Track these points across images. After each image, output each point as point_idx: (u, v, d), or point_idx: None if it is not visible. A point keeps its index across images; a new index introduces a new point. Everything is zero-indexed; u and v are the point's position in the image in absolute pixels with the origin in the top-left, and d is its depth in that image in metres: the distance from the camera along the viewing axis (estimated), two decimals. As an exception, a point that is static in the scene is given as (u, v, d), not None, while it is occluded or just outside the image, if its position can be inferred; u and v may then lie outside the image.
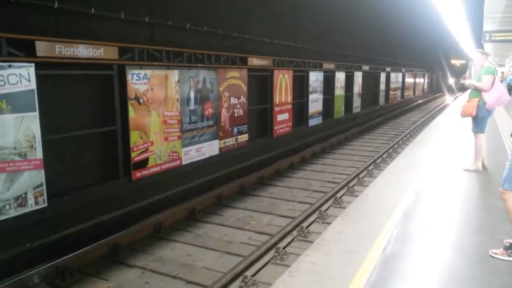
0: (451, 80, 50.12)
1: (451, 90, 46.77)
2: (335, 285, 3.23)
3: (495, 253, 3.67)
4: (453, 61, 51.56)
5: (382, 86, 23.75)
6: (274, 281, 3.46)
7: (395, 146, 13.06)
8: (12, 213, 5.61)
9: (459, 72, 46.05)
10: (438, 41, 39.88)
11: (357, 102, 19.29)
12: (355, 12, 17.38)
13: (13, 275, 4.67)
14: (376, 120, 19.80)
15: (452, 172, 6.63)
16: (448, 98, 38.66)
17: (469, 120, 6.46)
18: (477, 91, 6.11)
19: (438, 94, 43.99)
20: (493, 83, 5.93)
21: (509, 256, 3.60)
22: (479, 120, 6.22)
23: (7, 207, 5.56)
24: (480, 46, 24.42)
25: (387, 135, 16.50)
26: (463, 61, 51.22)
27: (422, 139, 10.44)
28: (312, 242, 5.00)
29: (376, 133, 17.30)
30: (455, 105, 21.89)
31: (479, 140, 6.30)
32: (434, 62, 43.41)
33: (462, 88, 43.05)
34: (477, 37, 25.52)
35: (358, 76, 19.17)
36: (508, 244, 3.65)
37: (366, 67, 20.19)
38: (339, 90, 17.08)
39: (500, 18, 15.16)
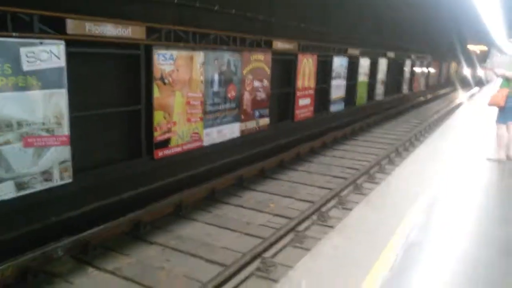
0: (466, 71, 39.63)
1: (466, 84, 37.01)
2: (358, 269, 3.25)
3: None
4: (471, 47, 38.01)
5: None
6: (293, 264, 3.50)
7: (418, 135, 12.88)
8: (39, 187, 5.79)
9: (478, 61, 39.07)
10: (452, 20, 26.77)
11: (380, 89, 19.01)
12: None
13: (38, 247, 4.83)
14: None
15: (475, 161, 6.54)
16: (461, 94, 30.15)
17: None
18: (508, 81, 5.97)
19: (448, 89, 34.14)
20: None
21: None
22: (507, 111, 6.10)
23: (34, 181, 5.74)
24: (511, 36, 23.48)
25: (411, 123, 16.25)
26: (484, 47, 38.64)
27: (446, 130, 10.24)
28: (331, 227, 5.03)
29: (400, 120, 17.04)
30: (472, 108, 15.97)
31: (500, 130, 6.23)
32: (445, 48, 32.69)
33: (481, 82, 36.31)
34: (509, 24, 23.03)
35: (382, 63, 18.84)
36: None
37: (391, 54, 19.79)
38: (362, 76, 16.86)
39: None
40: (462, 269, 3.37)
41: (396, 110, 18.90)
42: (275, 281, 4.30)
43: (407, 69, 23.10)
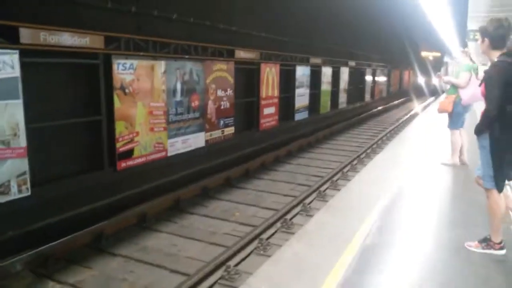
0: (420, 79, 37.73)
1: (420, 93, 34.98)
2: (316, 273, 3.31)
3: (470, 246, 3.81)
4: (424, 53, 36.82)
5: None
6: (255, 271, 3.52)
7: (379, 142, 13.25)
8: (-5, 200, 5.57)
9: (433, 68, 35.39)
10: (403, 25, 27.42)
11: (343, 98, 19.47)
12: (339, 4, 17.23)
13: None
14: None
15: (431, 167, 6.80)
16: (416, 105, 27.66)
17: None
18: (455, 87, 6.29)
19: (401, 99, 31.08)
20: (469, 80, 6.08)
21: (483, 249, 3.74)
22: (455, 116, 6.41)
23: (-11, 195, 5.52)
24: (464, 44, 24.79)
25: (373, 130, 16.70)
26: (437, 54, 37.88)
27: (404, 136, 10.60)
28: (295, 233, 5.08)
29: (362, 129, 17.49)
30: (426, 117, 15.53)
31: (454, 136, 6.50)
32: (396, 53, 29.24)
33: (435, 91, 33.21)
34: (461, 32, 24.07)
35: (344, 72, 19.33)
36: (482, 238, 3.79)
37: (353, 63, 20.33)
38: (325, 85, 17.22)
39: (483, 17, 15.41)
40: (418, 267, 3.50)
41: (358, 119, 19.39)
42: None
43: (368, 77, 23.80)
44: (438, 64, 38.02)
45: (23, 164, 5.84)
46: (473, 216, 4.51)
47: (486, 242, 3.76)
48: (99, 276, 4.87)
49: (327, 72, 17.20)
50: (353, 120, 18.11)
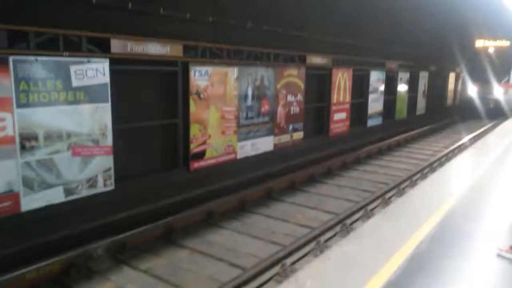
0: (472, 89, 20.34)
1: (467, 114, 20.56)
2: (363, 272, 3.44)
3: (501, 250, 3.77)
4: (480, 44, 20.42)
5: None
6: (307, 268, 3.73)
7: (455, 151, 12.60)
8: (84, 193, 6.37)
9: (496, 70, 19.63)
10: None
11: (421, 103, 18.73)
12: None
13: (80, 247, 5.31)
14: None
15: (504, 175, 6.49)
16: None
17: None
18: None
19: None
20: None
21: None
22: None
23: (80, 187, 6.32)
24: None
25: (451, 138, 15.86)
26: (506, 43, 20.11)
27: (483, 146, 10.02)
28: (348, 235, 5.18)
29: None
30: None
31: None
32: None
33: (498, 112, 19.19)
34: None
35: (423, 77, 18.59)
36: None
37: (432, 67, 19.44)
38: (402, 90, 16.74)
39: None
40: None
41: (437, 125, 18.40)
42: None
43: (450, 82, 22.57)
44: (506, 62, 19.90)
45: (109, 161, 6.60)
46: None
47: None
48: (168, 265, 5.37)
49: (404, 77, 16.71)
50: (431, 127, 17.29)
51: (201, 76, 8.05)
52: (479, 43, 19.95)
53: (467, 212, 5.07)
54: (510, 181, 6.44)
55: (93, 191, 6.50)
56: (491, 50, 19.70)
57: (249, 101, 9.30)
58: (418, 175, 9.42)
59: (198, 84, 8.01)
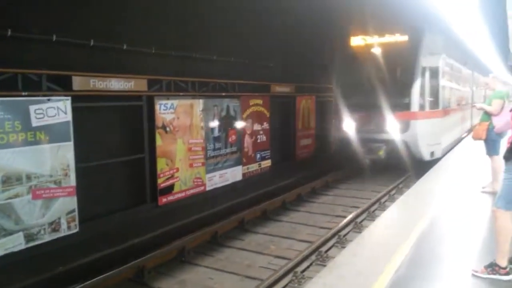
0: (348, 124, 10.61)
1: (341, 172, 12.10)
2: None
3: (476, 272, 3.81)
4: (359, 42, 10.99)
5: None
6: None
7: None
8: (47, 238, 6.03)
9: (390, 88, 10.22)
10: None
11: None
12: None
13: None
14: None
15: (470, 194, 6.68)
16: None
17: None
18: (488, 114, 6.22)
19: None
20: (502, 107, 6.01)
21: (489, 274, 3.74)
22: (491, 143, 6.33)
23: (42, 232, 5.99)
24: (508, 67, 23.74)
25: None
26: (402, 39, 10.47)
27: (440, 167, 10.28)
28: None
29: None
30: None
31: (494, 163, 6.37)
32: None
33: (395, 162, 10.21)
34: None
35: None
36: (488, 263, 3.79)
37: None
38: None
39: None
40: None
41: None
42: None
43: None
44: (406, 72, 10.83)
45: (72, 202, 6.32)
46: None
47: (492, 267, 3.75)
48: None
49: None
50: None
51: (166, 110, 7.95)
52: (357, 42, 10.95)
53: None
54: None
55: (56, 235, 6.18)
56: (380, 53, 10.55)
57: (216, 132, 9.25)
58: (386, 197, 9.58)
59: (163, 117, 7.90)
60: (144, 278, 5.81)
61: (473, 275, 3.82)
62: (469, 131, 15.80)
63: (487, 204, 6.07)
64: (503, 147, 6.36)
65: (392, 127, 10.07)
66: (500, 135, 6.27)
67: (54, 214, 6.12)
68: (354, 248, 4.79)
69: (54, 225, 6.14)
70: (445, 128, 11.29)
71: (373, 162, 10.91)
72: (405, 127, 10.04)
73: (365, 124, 10.43)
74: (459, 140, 13.88)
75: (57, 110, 6.09)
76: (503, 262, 3.71)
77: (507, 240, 3.66)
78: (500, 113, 6.04)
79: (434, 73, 10.40)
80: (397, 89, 10.28)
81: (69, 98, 6.21)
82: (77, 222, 6.39)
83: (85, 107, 6.71)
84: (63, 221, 6.24)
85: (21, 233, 5.74)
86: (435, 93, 10.56)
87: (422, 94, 10.18)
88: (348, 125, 10.59)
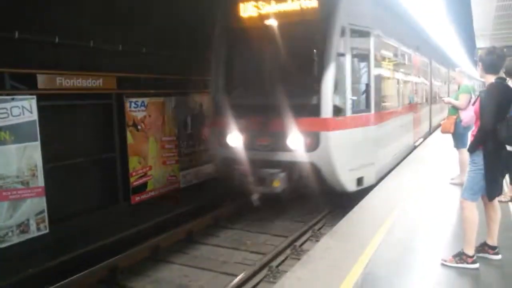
0: (233, 138, 6.95)
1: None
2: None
3: (445, 261, 3.96)
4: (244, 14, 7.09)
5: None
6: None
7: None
8: (15, 239, 5.85)
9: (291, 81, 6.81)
10: None
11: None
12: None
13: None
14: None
15: (439, 186, 6.85)
16: None
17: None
18: (455, 108, 6.41)
19: None
20: (469, 101, 6.19)
21: (457, 263, 3.89)
22: (459, 136, 6.53)
23: (10, 234, 5.80)
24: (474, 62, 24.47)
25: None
26: (311, 5, 6.63)
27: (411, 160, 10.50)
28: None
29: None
30: None
31: (462, 155, 6.56)
32: None
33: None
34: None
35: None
36: (456, 252, 3.94)
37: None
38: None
39: (490, 35, 15.55)
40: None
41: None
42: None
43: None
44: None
45: (41, 203, 6.15)
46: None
47: (459, 256, 3.88)
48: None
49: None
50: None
51: (137, 108, 7.83)
52: (244, 11, 7.17)
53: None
54: None
55: (25, 237, 6.00)
56: (278, 28, 6.88)
57: (189, 129, 9.17)
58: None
59: (134, 115, 7.77)
60: (117, 279, 5.72)
61: (442, 264, 3.93)
62: (428, 134, 13.63)
63: (455, 195, 6.25)
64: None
65: (293, 142, 6.44)
66: (467, 128, 6.46)
67: (22, 215, 5.94)
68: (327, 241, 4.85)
69: (23, 227, 5.96)
70: (383, 139, 7.76)
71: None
72: (313, 143, 6.38)
73: (256, 136, 6.72)
74: (411, 149, 10.65)
75: (22, 109, 5.89)
76: (470, 251, 3.83)
77: (473, 229, 3.79)
78: (467, 107, 6.23)
79: (362, 58, 7.14)
80: (302, 83, 6.74)
81: (35, 96, 6.02)
82: (47, 223, 6.22)
83: (53, 106, 6.52)
84: (32, 222, 6.07)
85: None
86: (363, 88, 7.20)
87: (340, 90, 6.54)
88: (233, 138, 6.88)
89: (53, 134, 6.44)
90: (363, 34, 7.07)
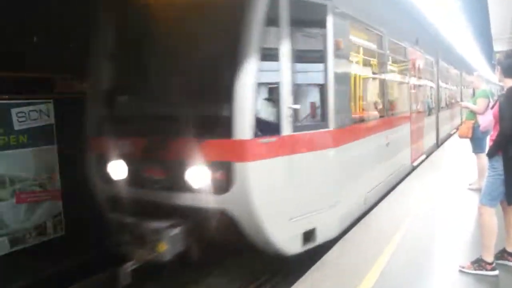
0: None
1: None
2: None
3: (463, 267, 3.87)
4: None
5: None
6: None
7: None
8: (32, 241, 5.92)
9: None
10: None
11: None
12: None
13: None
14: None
15: (457, 191, 6.81)
16: None
17: None
18: (473, 113, 6.32)
19: None
20: (487, 106, 6.10)
21: (475, 270, 3.79)
22: (477, 141, 6.43)
23: (27, 236, 5.88)
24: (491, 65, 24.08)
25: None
26: None
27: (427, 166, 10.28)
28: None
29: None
30: None
31: (480, 160, 6.47)
32: None
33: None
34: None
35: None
36: (475, 259, 3.85)
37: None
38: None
39: (508, 39, 15.32)
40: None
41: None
42: None
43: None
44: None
45: (58, 206, 6.22)
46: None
47: (478, 263, 3.80)
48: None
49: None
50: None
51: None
52: None
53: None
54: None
55: (42, 239, 6.07)
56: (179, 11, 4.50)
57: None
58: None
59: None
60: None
61: (460, 271, 3.86)
62: (435, 147, 11.62)
63: (474, 201, 6.15)
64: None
65: (195, 177, 4.02)
66: (486, 133, 6.37)
67: (39, 217, 6.01)
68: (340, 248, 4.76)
69: (40, 229, 6.04)
70: (354, 166, 5.37)
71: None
72: (224, 179, 3.93)
73: (143, 166, 4.41)
74: (407, 171, 8.39)
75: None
76: (489, 258, 3.75)
77: (492, 236, 3.71)
78: (485, 112, 6.13)
79: (313, 44, 4.78)
80: (209, 83, 4.20)
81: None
82: (63, 225, 6.29)
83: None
84: (49, 225, 6.15)
85: (5, 238, 5.62)
86: (314, 92, 4.74)
87: (270, 93, 4.27)
88: (115, 168, 4.53)
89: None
90: (315, 7, 4.54)
